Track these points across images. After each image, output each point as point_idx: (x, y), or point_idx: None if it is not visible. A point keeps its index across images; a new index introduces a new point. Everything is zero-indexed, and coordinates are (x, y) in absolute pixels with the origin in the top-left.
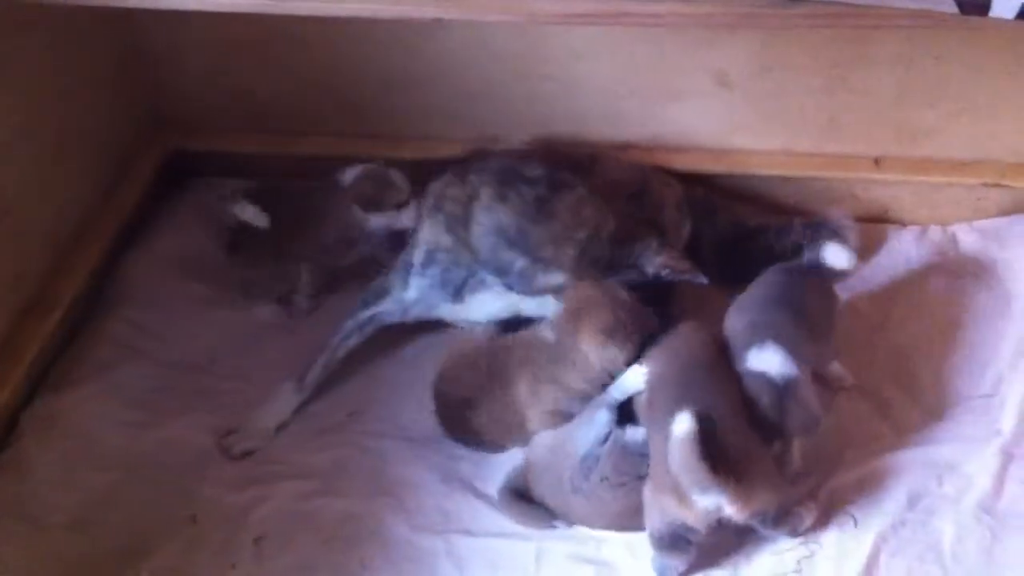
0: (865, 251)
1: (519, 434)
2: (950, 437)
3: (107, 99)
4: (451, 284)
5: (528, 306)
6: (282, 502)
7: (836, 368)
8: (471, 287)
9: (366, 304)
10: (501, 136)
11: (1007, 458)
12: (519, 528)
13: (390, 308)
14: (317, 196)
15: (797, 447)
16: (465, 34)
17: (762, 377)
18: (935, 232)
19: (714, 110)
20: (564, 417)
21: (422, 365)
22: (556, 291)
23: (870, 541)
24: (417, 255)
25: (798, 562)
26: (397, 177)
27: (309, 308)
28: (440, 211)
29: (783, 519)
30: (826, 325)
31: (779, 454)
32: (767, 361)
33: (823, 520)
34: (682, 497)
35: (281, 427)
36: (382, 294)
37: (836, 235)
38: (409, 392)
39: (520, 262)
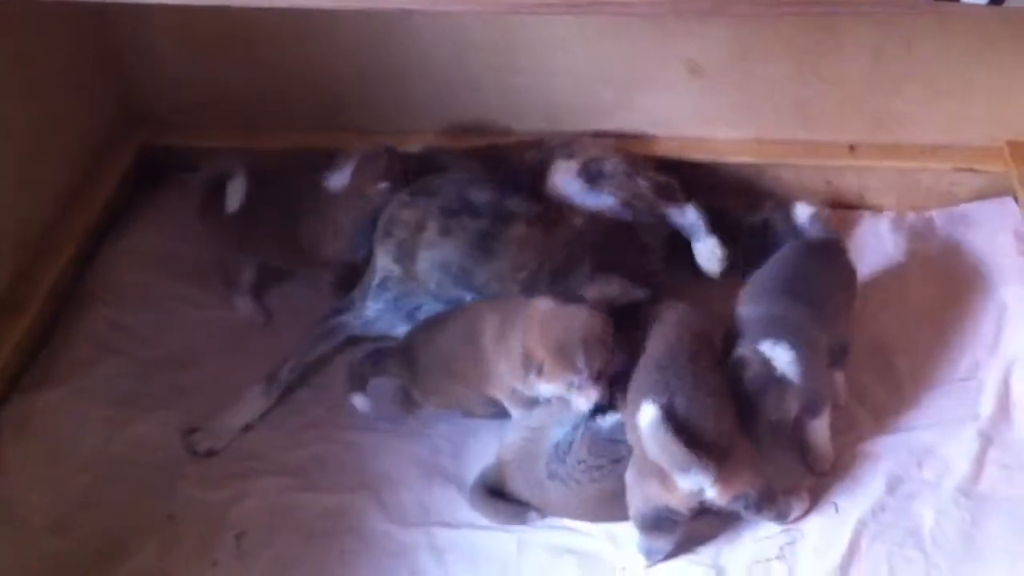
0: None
1: (485, 387)
2: (929, 422)
3: (78, 96)
4: (403, 310)
5: None
6: (262, 498)
7: (838, 381)
8: (426, 312)
9: (334, 312)
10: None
11: (986, 442)
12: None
13: (352, 322)
14: (306, 194)
15: (820, 428)
16: (437, 26)
17: (765, 363)
18: (910, 218)
19: (686, 99)
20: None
21: None
22: None
23: (851, 527)
24: (375, 278)
25: (780, 548)
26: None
27: (254, 310)
28: (390, 237)
29: (768, 504)
30: (843, 300)
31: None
32: (779, 357)
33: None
34: (665, 480)
35: (248, 427)
36: (348, 306)
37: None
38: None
39: (468, 296)
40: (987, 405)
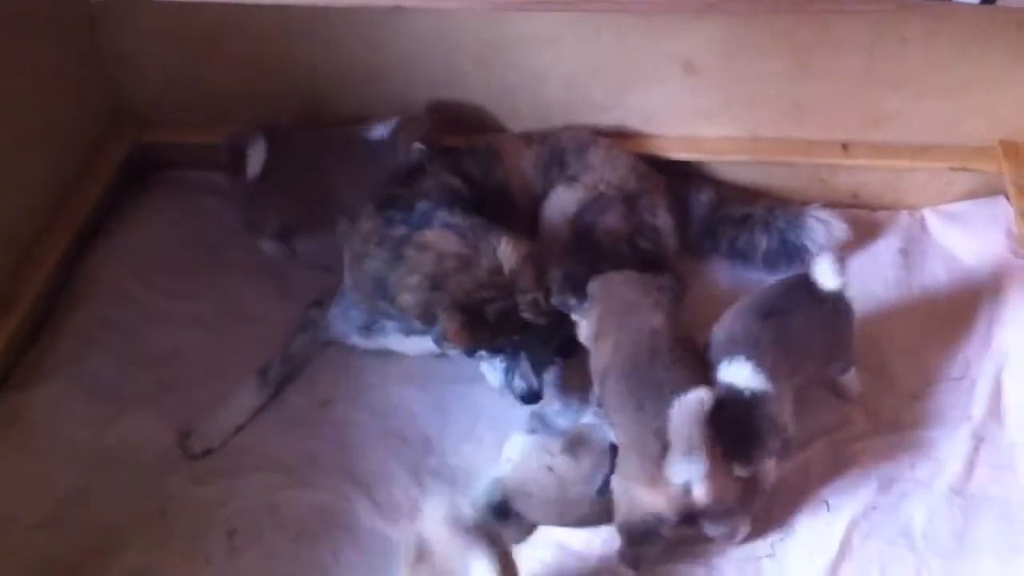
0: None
1: None
2: (921, 421)
3: (67, 96)
4: (356, 321)
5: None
6: (253, 495)
7: (849, 378)
8: (378, 328)
9: (311, 306)
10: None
11: (978, 441)
12: None
13: (319, 320)
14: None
15: (771, 467)
16: (426, 22)
17: (730, 388)
18: (903, 216)
19: (679, 97)
20: None
21: (396, 356)
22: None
23: (843, 525)
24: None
25: (771, 546)
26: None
27: (280, 252)
28: (351, 248)
29: (726, 517)
30: (830, 337)
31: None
32: (735, 374)
33: (796, 504)
34: (655, 480)
35: (241, 426)
36: (320, 303)
37: (819, 222)
38: (381, 382)
39: (389, 307)
40: (979, 405)
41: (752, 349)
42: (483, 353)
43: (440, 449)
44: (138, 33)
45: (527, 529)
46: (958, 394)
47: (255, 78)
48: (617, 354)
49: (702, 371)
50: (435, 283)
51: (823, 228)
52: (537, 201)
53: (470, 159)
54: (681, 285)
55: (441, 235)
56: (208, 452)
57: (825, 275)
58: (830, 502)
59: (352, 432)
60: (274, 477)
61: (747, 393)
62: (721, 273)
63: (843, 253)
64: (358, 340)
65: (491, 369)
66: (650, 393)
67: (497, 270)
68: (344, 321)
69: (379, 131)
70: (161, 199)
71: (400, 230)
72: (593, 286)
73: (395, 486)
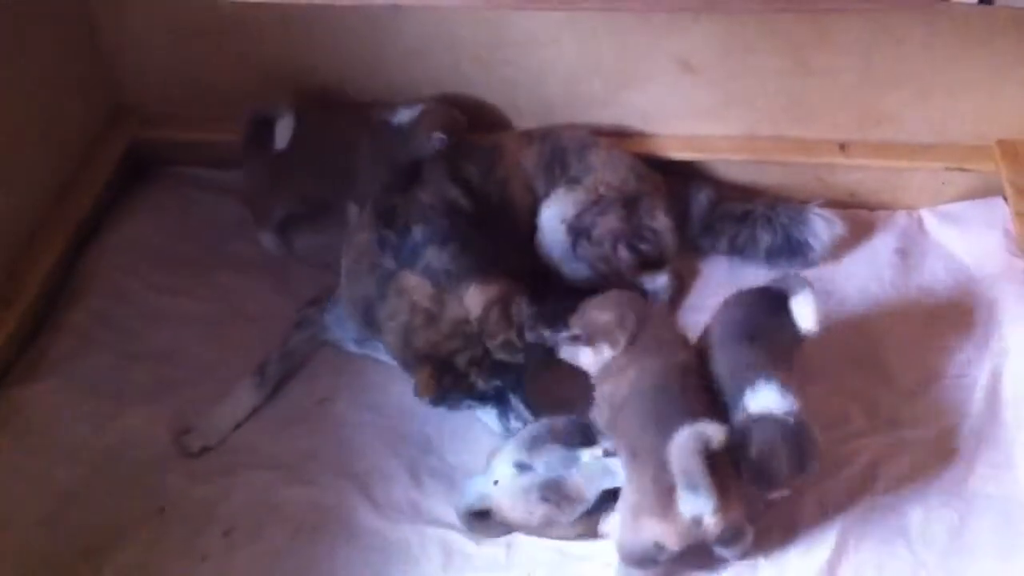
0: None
1: None
2: (919, 420)
3: (66, 92)
4: (351, 332)
5: None
6: (251, 492)
7: None
8: (371, 345)
9: (308, 303)
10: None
11: (976, 440)
12: None
13: (316, 318)
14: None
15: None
16: (425, 20)
17: (769, 419)
18: (900, 217)
19: (677, 96)
20: None
21: None
22: None
23: (839, 524)
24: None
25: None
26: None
27: (277, 245)
28: (347, 255)
29: (737, 540)
30: (787, 353)
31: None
32: (764, 400)
33: (793, 503)
34: (665, 511)
35: (240, 424)
36: (319, 302)
37: (801, 225)
38: (381, 380)
39: (369, 330)
40: (977, 404)
41: (761, 372)
42: (470, 403)
43: (439, 448)
44: (137, 28)
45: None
46: (956, 393)
47: (255, 74)
48: (639, 383)
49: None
50: (406, 337)
51: (825, 224)
52: (537, 200)
53: (471, 161)
54: (680, 284)
55: (419, 284)
56: (206, 450)
57: (806, 316)
58: (827, 501)
59: (351, 430)
60: (272, 475)
61: (782, 415)
62: (719, 272)
63: (840, 252)
64: (354, 348)
65: (487, 415)
66: (675, 422)
67: (463, 320)
68: (340, 328)
69: (402, 116)
70: (160, 196)
71: (389, 263)
72: (595, 315)
73: (394, 484)
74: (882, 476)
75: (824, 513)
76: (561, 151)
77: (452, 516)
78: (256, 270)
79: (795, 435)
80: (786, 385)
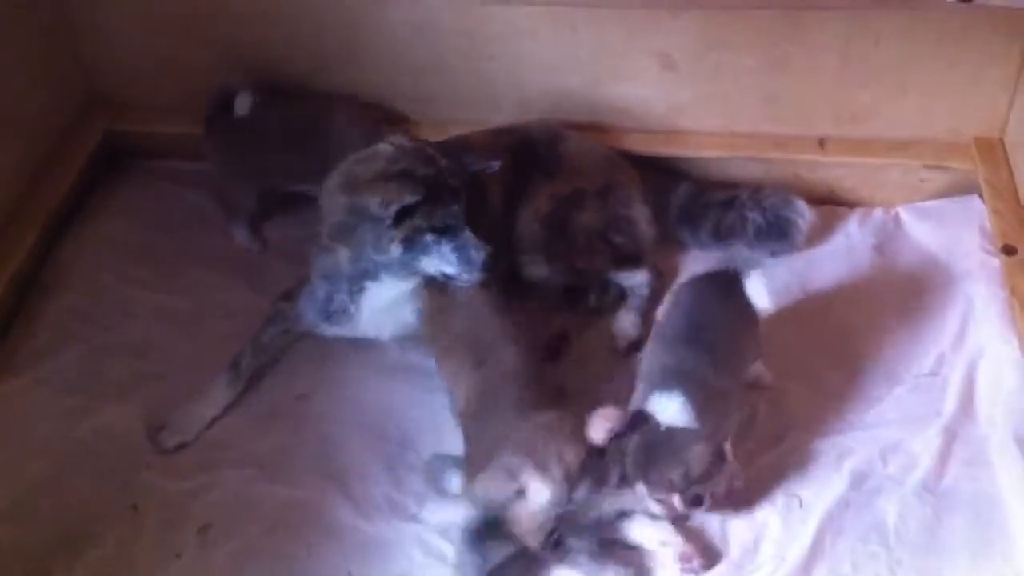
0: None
1: None
2: (894, 418)
3: (38, 81)
4: (321, 301)
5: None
6: (227, 489)
7: (757, 368)
8: (338, 303)
9: (281, 298)
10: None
11: (950, 437)
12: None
13: (291, 313)
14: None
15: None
16: (406, 11)
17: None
18: (878, 214)
19: (657, 91)
20: None
21: (372, 349)
22: (356, 270)
23: (814, 522)
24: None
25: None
26: None
27: (251, 243)
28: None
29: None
30: (745, 338)
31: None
32: (664, 408)
33: (769, 500)
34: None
35: (215, 420)
36: (290, 297)
37: (787, 207)
38: (360, 375)
39: (322, 259)
40: (951, 401)
41: (687, 383)
42: (430, 238)
43: (417, 444)
44: (112, 19)
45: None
46: (931, 390)
47: (231, 66)
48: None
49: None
50: (348, 185)
51: (807, 206)
52: (511, 194)
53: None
54: (661, 279)
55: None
56: (181, 446)
57: (760, 295)
58: (803, 498)
59: (328, 426)
60: (248, 471)
61: (670, 427)
62: (700, 266)
63: (817, 248)
64: (326, 328)
65: (442, 260)
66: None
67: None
68: (311, 306)
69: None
70: (135, 188)
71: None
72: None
73: (371, 481)
74: (857, 473)
75: (800, 510)
76: (531, 144)
77: (429, 513)
78: (231, 264)
79: (680, 447)
80: (696, 407)
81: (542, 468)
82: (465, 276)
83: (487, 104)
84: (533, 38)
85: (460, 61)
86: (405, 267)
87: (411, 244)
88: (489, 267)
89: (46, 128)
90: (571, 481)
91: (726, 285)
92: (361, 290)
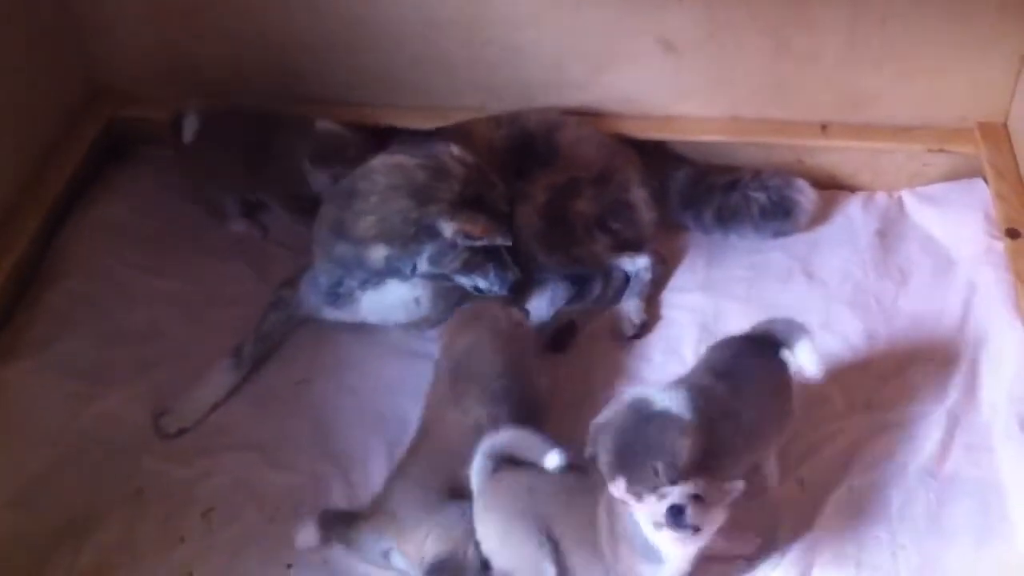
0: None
1: None
2: (896, 402)
3: (40, 68)
4: (323, 287)
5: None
6: (229, 474)
7: (770, 466)
8: (346, 288)
9: (281, 285)
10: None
11: (952, 422)
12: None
13: (293, 299)
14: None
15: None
16: None
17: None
18: (881, 198)
19: (659, 76)
20: None
21: (374, 333)
22: (390, 268)
23: (817, 506)
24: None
25: None
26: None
27: (248, 229)
28: (320, 217)
29: None
30: (772, 419)
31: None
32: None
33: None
34: None
35: (217, 405)
36: (291, 282)
37: (790, 187)
38: (360, 360)
39: (345, 249)
40: (954, 386)
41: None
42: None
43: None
44: (116, 6)
45: None
46: (934, 375)
47: (234, 52)
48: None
49: None
50: (418, 196)
51: (810, 187)
52: (509, 186)
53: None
54: (663, 264)
55: (386, 158)
56: (183, 431)
57: (809, 363)
58: (806, 482)
59: (329, 411)
60: (250, 456)
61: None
62: (702, 250)
63: (820, 233)
64: (329, 312)
65: (482, 277)
66: None
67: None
68: (313, 291)
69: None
70: (137, 175)
71: (346, 181)
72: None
73: (372, 465)
74: (861, 458)
75: (804, 495)
76: (529, 135)
77: None
78: (234, 251)
79: (666, 431)
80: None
81: None
82: (495, 290)
83: (486, 91)
84: (534, 24)
85: (459, 47)
86: (445, 278)
87: (470, 266)
88: (516, 288)
89: (49, 116)
90: None
91: (759, 346)
92: (381, 284)
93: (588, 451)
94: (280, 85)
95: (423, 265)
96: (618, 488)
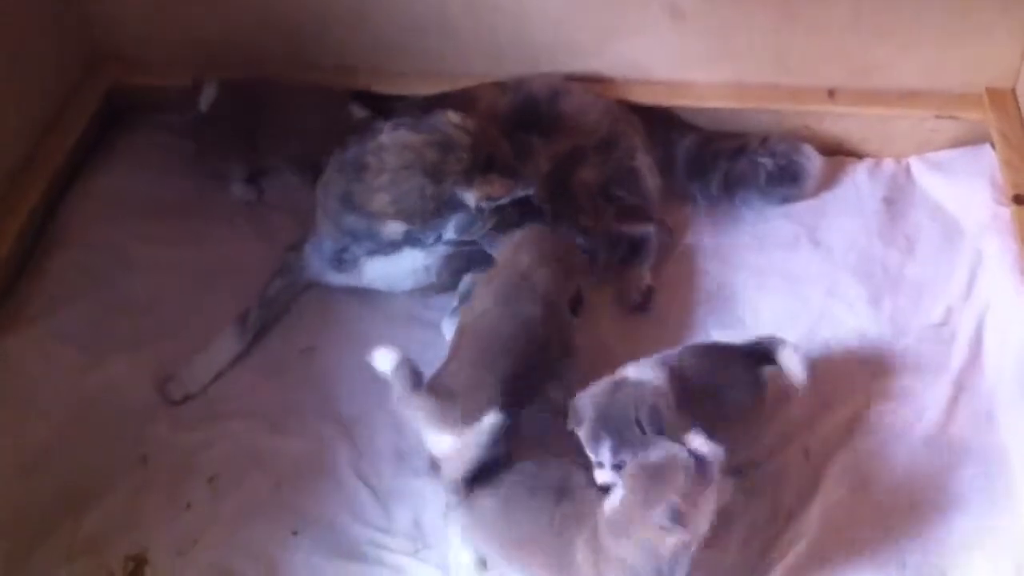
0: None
1: None
2: (902, 369)
3: (43, 35)
4: (328, 252)
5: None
6: (234, 441)
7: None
8: (351, 255)
9: (288, 249)
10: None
11: (957, 389)
12: None
13: (297, 264)
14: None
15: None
16: None
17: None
18: (888, 164)
19: (666, 43)
20: None
21: (380, 301)
22: (410, 240)
23: (821, 471)
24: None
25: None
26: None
27: (248, 194)
28: (320, 182)
29: None
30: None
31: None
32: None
33: (777, 449)
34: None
35: (221, 372)
36: (297, 248)
37: (797, 152)
38: (365, 327)
39: (356, 221)
40: (959, 352)
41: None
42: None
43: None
44: None
45: None
46: (939, 342)
47: (238, 19)
48: (482, 316)
49: None
50: (432, 174)
51: (815, 152)
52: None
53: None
54: (668, 231)
55: (392, 135)
56: (188, 398)
57: (795, 368)
58: (810, 451)
59: (334, 379)
60: (255, 423)
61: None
62: (708, 219)
63: (827, 200)
64: (334, 277)
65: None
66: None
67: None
68: (318, 256)
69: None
70: (141, 143)
71: (353, 150)
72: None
73: (377, 432)
74: (866, 426)
75: (808, 461)
76: (532, 100)
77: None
78: (238, 218)
79: (644, 392)
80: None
81: None
82: None
83: (492, 58)
84: None
85: (464, 13)
86: (472, 243)
87: (502, 226)
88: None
89: (52, 84)
90: None
91: (737, 358)
92: (394, 252)
93: (571, 423)
94: (284, 51)
95: (449, 234)
96: (603, 455)
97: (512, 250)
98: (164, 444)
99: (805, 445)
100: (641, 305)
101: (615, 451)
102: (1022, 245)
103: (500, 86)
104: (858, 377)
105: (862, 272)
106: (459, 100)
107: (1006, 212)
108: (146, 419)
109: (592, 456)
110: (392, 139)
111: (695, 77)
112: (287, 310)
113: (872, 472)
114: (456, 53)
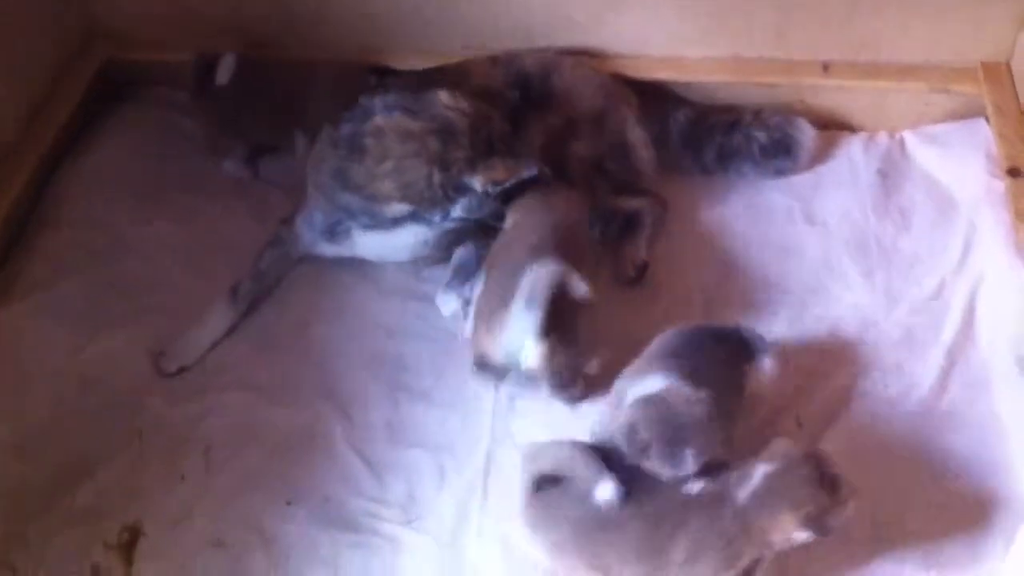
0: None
1: None
2: (895, 340)
3: (35, 10)
4: (319, 224)
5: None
6: (229, 413)
7: None
8: (344, 229)
9: (281, 222)
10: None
11: (950, 361)
12: (468, 437)
13: (289, 236)
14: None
15: None
16: None
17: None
18: (882, 138)
19: (662, 17)
20: None
21: (373, 274)
22: (415, 218)
23: (815, 442)
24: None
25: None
26: None
27: (240, 172)
28: (312, 156)
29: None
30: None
31: None
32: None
33: (769, 422)
34: (492, 325)
35: (215, 344)
36: (289, 221)
37: (790, 125)
38: (359, 301)
39: (353, 200)
40: (952, 324)
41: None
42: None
43: (415, 368)
44: None
45: None
46: (932, 314)
47: None
48: (522, 219)
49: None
50: (436, 163)
51: (809, 125)
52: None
53: (438, 85)
54: (664, 210)
55: (389, 119)
56: (182, 370)
57: (763, 379)
58: (803, 418)
59: (328, 351)
60: (250, 396)
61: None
62: (702, 193)
63: (821, 173)
64: (326, 248)
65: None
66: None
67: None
68: (309, 227)
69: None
70: (135, 118)
71: (347, 128)
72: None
73: (371, 405)
74: (858, 395)
75: (801, 431)
76: (524, 75)
77: (427, 437)
78: (232, 194)
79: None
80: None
81: None
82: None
83: (488, 32)
84: None
85: None
86: (478, 221)
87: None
88: None
89: (46, 59)
90: None
91: (726, 344)
92: (396, 228)
93: (631, 455)
94: (281, 28)
95: (457, 212)
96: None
97: (523, 208)
98: (159, 417)
99: (797, 414)
100: (636, 279)
101: (696, 457)
102: (1016, 218)
103: (492, 60)
104: (851, 349)
105: (856, 245)
106: (452, 74)
107: (1000, 185)
108: (141, 393)
109: (672, 472)
110: (390, 123)
111: (690, 51)
112: (279, 284)
113: (865, 442)
114: (452, 28)
